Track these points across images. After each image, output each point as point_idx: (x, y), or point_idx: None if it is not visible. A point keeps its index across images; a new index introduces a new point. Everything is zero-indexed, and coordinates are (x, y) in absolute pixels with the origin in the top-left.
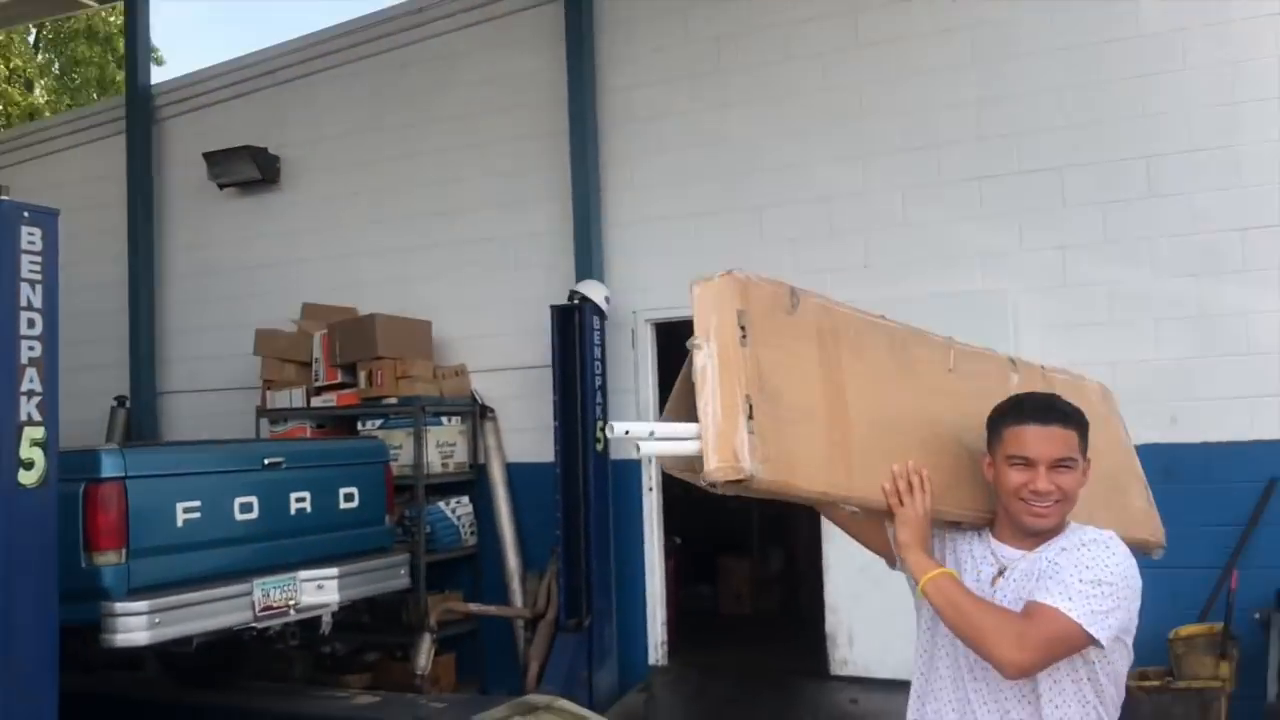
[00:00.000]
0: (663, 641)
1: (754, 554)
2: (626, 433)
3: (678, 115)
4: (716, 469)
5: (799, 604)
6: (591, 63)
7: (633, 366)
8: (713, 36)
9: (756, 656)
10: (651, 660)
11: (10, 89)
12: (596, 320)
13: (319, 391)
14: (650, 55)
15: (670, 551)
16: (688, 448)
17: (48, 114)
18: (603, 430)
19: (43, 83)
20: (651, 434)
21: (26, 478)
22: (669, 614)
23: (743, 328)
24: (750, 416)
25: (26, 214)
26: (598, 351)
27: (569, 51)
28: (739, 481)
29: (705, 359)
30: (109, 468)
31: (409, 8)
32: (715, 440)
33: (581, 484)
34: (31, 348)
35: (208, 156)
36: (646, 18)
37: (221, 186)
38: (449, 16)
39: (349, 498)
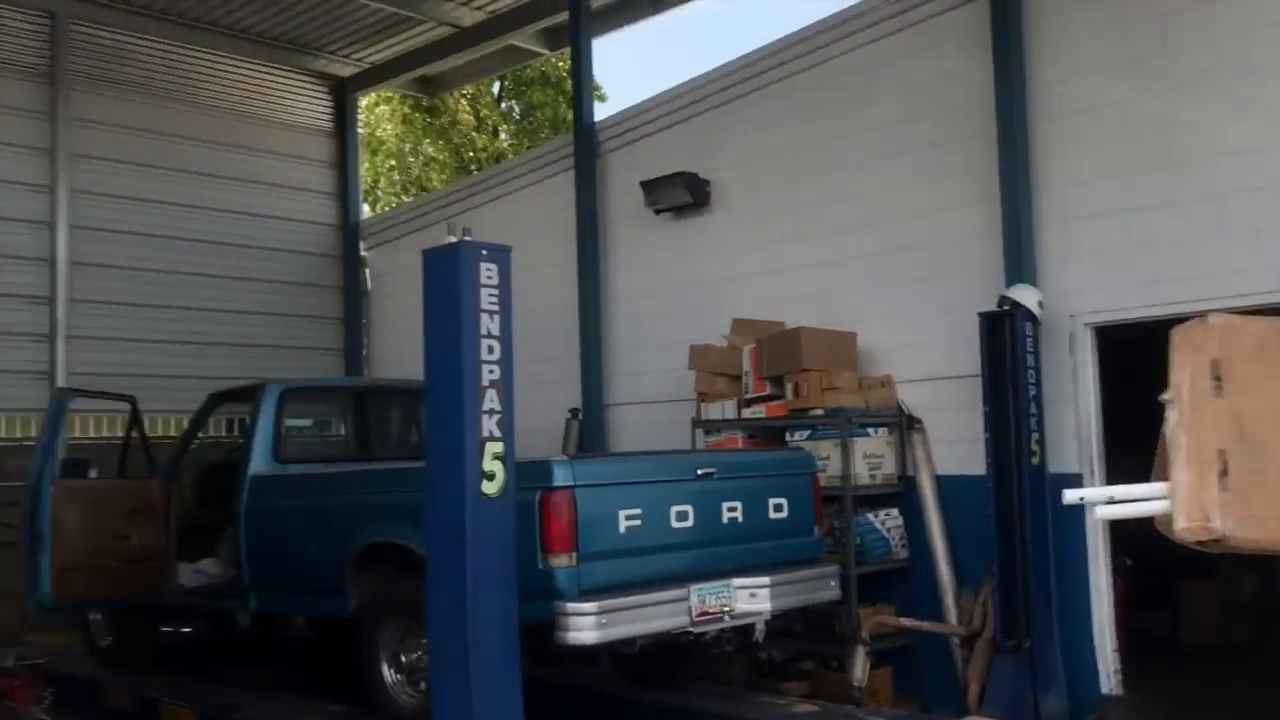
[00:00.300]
0: (1116, 670)
1: (1220, 578)
2: (1081, 499)
3: (1117, 103)
4: (1185, 529)
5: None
6: (1020, 58)
7: (1071, 375)
8: (1157, 15)
9: (1228, 693)
10: (1104, 689)
11: (478, 136)
12: (1029, 326)
13: (749, 403)
14: (1085, 43)
15: (1118, 572)
16: (1152, 508)
17: (510, 156)
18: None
19: (506, 128)
20: (1111, 499)
21: (489, 488)
22: (1119, 640)
23: (1218, 378)
24: (1224, 473)
25: (485, 252)
26: (1031, 360)
27: (995, 49)
28: (1215, 540)
29: (1174, 415)
30: (560, 477)
31: (830, 23)
32: (1184, 500)
33: (1016, 498)
34: (491, 371)
35: (644, 184)
36: (1080, 4)
37: (657, 212)
38: (869, 27)
39: (778, 508)
